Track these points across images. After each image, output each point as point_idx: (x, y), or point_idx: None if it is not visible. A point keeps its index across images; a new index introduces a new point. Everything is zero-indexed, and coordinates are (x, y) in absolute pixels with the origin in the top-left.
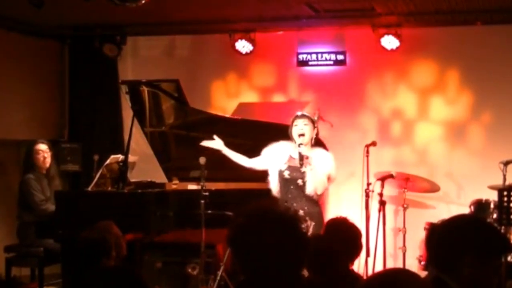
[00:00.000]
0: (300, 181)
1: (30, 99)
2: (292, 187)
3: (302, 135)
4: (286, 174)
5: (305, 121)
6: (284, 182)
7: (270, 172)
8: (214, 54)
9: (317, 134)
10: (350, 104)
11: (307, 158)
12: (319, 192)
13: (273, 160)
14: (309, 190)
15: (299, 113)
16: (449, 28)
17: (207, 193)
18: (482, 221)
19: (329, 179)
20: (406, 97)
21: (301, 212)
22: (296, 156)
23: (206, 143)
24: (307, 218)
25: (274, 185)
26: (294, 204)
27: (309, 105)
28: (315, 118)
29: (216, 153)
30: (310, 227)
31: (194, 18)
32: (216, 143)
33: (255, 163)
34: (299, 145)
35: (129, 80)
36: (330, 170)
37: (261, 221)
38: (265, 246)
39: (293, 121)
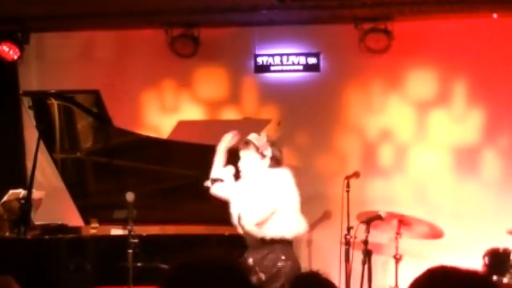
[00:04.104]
0: None
1: None
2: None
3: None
4: None
5: (245, 151)
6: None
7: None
8: (145, 56)
9: (276, 164)
10: (325, 122)
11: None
12: (258, 220)
13: None
14: (247, 225)
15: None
16: (455, 21)
17: (136, 240)
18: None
19: (284, 201)
20: (398, 113)
21: (250, 261)
22: None
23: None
24: (257, 269)
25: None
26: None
27: (270, 124)
28: (261, 142)
29: (150, 186)
30: (261, 280)
31: (118, 8)
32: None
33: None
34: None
35: (34, 91)
36: (279, 191)
37: (197, 274)
38: None
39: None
